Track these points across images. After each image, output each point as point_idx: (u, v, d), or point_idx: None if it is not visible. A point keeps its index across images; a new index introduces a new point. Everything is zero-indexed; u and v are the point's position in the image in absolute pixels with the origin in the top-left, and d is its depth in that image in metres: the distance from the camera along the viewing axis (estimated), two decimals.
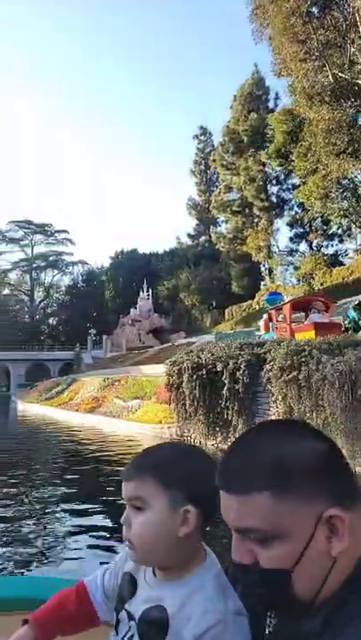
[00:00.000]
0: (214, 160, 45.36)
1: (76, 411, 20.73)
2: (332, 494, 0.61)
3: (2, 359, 51.81)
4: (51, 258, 67.30)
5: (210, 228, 53.76)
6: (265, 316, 15.33)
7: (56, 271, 67.99)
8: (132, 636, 0.80)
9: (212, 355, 11.03)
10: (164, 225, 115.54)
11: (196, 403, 11.05)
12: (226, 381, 10.31)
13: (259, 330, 16.13)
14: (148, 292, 57.18)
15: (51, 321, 68.65)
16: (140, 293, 57.32)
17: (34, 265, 66.67)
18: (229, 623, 0.72)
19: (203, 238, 56.58)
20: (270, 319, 14.84)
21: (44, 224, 66.62)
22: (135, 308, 56.73)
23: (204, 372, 10.86)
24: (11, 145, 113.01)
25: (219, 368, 10.58)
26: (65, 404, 24.39)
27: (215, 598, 0.74)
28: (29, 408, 29.00)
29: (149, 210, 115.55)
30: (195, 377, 10.99)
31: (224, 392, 10.35)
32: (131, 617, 0.81)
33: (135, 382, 18.71)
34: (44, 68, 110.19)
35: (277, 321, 14.50)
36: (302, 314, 14.35)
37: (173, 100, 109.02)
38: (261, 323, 15.57)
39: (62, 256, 67.50)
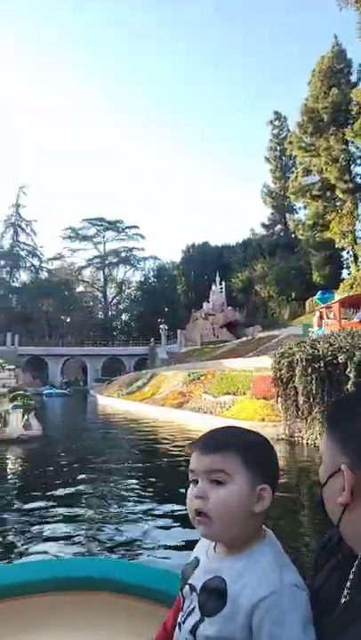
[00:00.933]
0: (291, 142, 42.97)
1: (162, 406, 19.94)
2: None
3: (79, 354, 52.85)
4: (122, 254, 67.98)
5: (286, 215, 51.44)
6: (317, 313, 16.64)
7: (128, 267, 68.61)
8: (193, 608, 0.84)
9: (331, 345, 9.56)
10: (235, 216, 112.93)
11: (311, 399, 9.68)
12: (351, 375, 8.83)
13: (312, 326, 17.06)
14: (220, 285, 56.00)
15: (123, 317, 69.40)
16: (213, 287, 56.21)
17: (106, 261, 67.62)
18: (285, 595, 0.75)
19: (278, 227, 54.37)
20: (321, 317, 16.17)
21: (116, 220, 67.41)
22: (208, 302, 55.75)
23: (322, 365, 9.43)
24: (82, 144, 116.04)
25: (341, 360, 9.10)
26: (148, 398, 23.78)
27: (269, 570, 0.78)
28: (110, 403, 28.80)
29: (220, 202, 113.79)
30: (310, 370, 9.61)
31: (348, 387, 8.87)
32: (193, 589, 0.85)
33: (224, 377, 17.54)
34: (109, 68, 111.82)
35: (328, 318, 15.61)
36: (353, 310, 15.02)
37: (244, 87, 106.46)
38: (314, 320, 16.83)
39: (133, 252, 67.96)
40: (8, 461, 10.44)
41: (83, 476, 8.27)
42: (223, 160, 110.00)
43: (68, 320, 64.45)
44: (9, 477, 8.87)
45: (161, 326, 54.27)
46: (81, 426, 18.69)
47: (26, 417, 13.97)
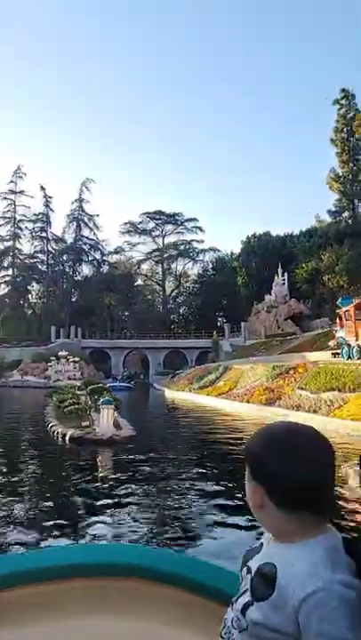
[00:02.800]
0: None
1: (247, 402, 18.80)
2: None
3: (141, 347, 52.69)
4: (181, 247, 67.27)
5: (355, 201, 48.73)
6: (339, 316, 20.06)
7: (186, 260, 67.79)
8: (246, 589, 0.87)
9: None
10: (298, 204, 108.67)
11: None
12: None
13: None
14: (283, 276, 54.13)
15: (181, 310, 68.77)
16: (275, 278, 54.44)
17: (165, 255, 67.18)
18: (335, 592, 0.75)
19: (346, 214, 51.66)
20: (340, 319, 19.72)
21: (174, 213, 66.79)
22: (270, 294, 54.10)
23: None
24: (140, 138, 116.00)
25: None
26: (225, 393, 22.74)
27: (320, 565, 0.78)
28: (180, 396, 28.02)
29: (282, 189, 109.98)
30: None
31: None
32: (249, 571, 0.89)
33: (321, 371, 16.14)
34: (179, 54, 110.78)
35: (346, 320, 18.70)
36: None
37: (303, 66, 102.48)
38: (338, 321, 20.53)
39: (192, 244, 67.12)
40: (104, 469, 9.12)
41: (210, 488, 7.19)
42: (283, 144, 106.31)
43: (128, 313, 64.65)
44: (110, 489, 7.36)
45: (220, 319, 53.12)
46: (167, 423, 17.80)
47: (116, 414, 12.57)
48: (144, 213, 66.88)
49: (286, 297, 53.47)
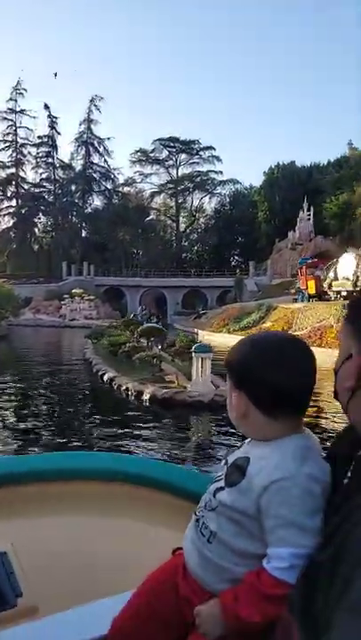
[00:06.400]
0: None
1: (319, 346, 16.04)
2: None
3: (159, 286, 49.45)
4: (197, 179, 62.07)
5: None
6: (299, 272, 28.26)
7: (202, 193, 62.86)
8: (220, 477, 0.96)
9: None
10: (327, 131, 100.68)
11: None
12: None
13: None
14: (309, 211, 50.17)
15: (195, 248, 64.74)
16: (300, 213, 50.45)
17: (180, 187, 62.16)
18: (299, 483, 0.81)
19: None
20: (298, 273, 28.51)
21: (190, 140, 61.28)
22: (294, 231, 50.36)
23: None
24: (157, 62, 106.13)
25: None
26: None
27: (289, 458, 0.85)
28: (219, 339, 25.22)
29: (309, 114, 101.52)
30: None
31: None
32: (226, 463, 0.97)
33: None
34: None
35: (301, 275, 27.18)
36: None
37: None
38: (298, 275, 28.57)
39: (209, 175, 61.87)
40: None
41: None
42: (311, 64, 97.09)
43: (141, 251, 60.61)
44: None
45: (236, 258, 49.63)
46: None
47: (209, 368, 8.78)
48: (157, 140, 61.30)
49: (311, 234, 49.86)
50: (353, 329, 0.77)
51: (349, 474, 0.79)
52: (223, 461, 0.99)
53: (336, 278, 23.33)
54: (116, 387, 9.48)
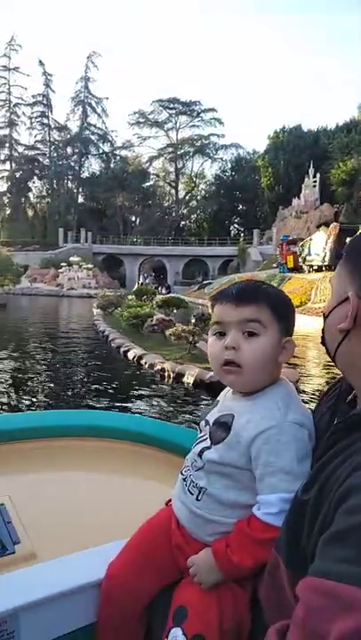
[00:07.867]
0: None
1: None
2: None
3: (159, 254, 47.77)
4: (197, 142, 59.44)
5: None
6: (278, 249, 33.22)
7: (203, 158, 60.38)
8: (204, 436, 0.96)
9: None
10: (335, 93, 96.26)
11: None
12: None
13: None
14: (314, 177, 48.41)
15: (194, 216, 62.63)
16: (305, 179, 48.63)
17: (179, 151, 59.59)
18: (285, 430, 0.83)
19: None
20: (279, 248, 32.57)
21: (191, 102, 58.44)
22: (298, 198, 48.66)
23: None
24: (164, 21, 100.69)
25: None
26: (297, 308, 18.74)
27: (274, 408, 0.86)
28: None
29: (316, 75, 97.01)
30: None
31: None
32: (207, 423, 0.97)
33: None
34: None
35: (281, 250, 31.14)
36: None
37: None
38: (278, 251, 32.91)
39: (210, 139, 59.28)
40: None
41: None
42: (318, 22, 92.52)
43: (140, 218, 58.50)
44: None
45: (236, 226, 47.96)
46: None
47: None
48: (156, 101, 58.50)
49: (316, 201, 48.19)
50: (351, 268, 0.75)
51: (336, 420, 0.81)
52: (203, 422, 0.98)
53: (310, 254, 26.80)
54: (146, 366, 8.31)
